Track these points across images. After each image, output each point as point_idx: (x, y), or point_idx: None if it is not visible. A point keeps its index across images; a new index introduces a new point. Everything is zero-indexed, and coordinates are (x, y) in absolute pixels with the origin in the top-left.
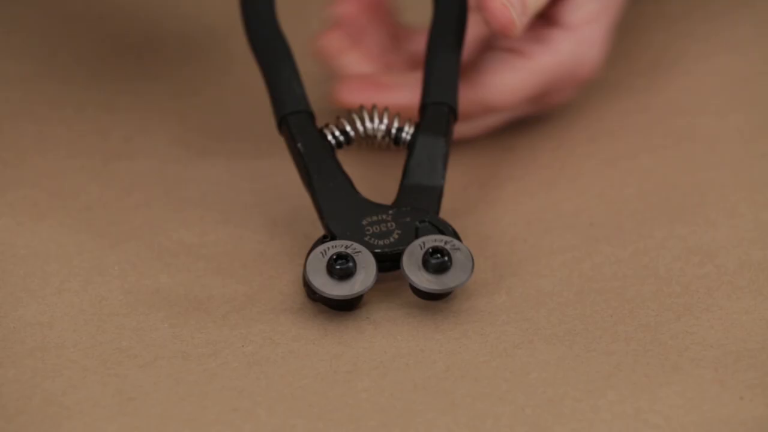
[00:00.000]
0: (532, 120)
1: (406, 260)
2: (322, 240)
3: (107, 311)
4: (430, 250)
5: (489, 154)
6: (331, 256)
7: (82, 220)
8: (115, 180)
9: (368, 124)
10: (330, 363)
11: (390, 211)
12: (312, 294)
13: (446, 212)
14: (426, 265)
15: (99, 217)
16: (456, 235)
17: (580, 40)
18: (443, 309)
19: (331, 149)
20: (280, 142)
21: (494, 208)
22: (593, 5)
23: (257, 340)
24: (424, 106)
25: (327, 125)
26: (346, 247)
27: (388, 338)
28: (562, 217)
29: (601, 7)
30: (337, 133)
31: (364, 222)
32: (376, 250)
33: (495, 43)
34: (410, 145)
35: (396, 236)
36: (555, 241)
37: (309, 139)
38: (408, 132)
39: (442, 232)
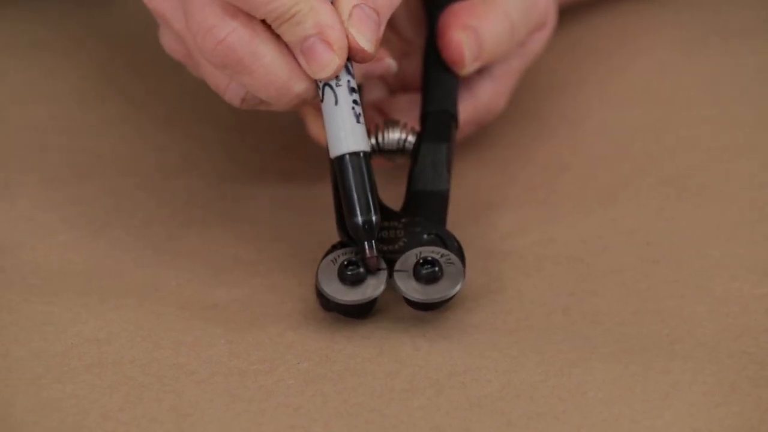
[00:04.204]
0: (589, 140)
1: (398, 267)
2: (332, 249)
3: (164, 327)
4: (422, 260)
5: (545, 173)
6: (342, 263)
7: (139, 236)
8: (172, 197)
9: (390, 136)
10: (386, 381)
11: (402, 220)
12: (326, 303)
13: (503, 232)
14: (416, 274)
15: (156, 234)
16: (460, 251)
17: (498, 90)
18: (499, 327)
19: None
20: None
21: (551, 226)
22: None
23: (313, 357)
24: (425, 115)
25: None
26: (356, 254)
27: (443, 356)
28: (619, 235)
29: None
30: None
31: None
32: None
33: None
34: (414, 154)
35: (401, 244)
36: (611, 260)
37: None
38: (410, 141)
39: (446, 246)
